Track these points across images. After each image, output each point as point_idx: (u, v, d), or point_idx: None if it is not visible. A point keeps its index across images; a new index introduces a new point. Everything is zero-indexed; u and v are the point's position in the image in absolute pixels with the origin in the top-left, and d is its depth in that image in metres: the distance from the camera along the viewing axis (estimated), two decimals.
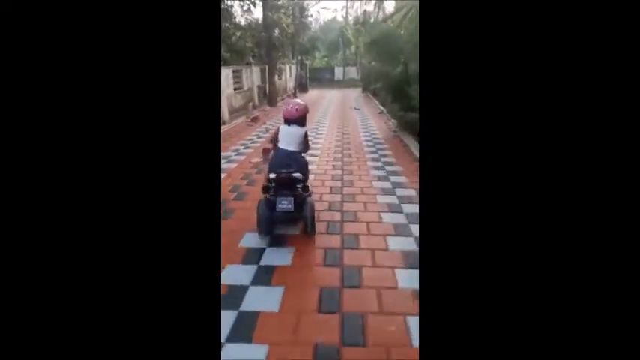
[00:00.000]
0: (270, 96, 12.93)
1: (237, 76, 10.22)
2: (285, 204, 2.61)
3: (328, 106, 12.79)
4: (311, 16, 16.17)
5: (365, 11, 28.79)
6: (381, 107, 11.10)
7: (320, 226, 2.98)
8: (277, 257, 2.56)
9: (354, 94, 18.45)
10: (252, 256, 2.58)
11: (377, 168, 4.93)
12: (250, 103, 11.25)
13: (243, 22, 12.62)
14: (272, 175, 2.69)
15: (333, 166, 5.07)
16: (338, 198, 3.76)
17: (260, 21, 12.73)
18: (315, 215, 2.86)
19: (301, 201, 2.69)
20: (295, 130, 2.83)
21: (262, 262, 2.49)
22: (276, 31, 13.12)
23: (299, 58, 19.50)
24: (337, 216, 3.28)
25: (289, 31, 13.05)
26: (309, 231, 2.77)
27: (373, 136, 7.32)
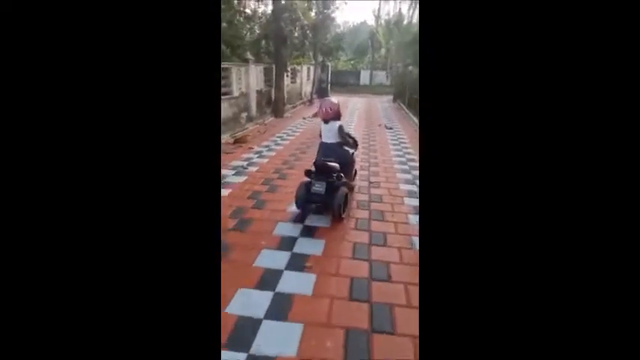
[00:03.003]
0: (275, 104, 10.06)
1: (224, 77, 7.30)
2: (318, 187, 3.03)
3: (349, 123, 9.76)
4: (337, 8, 13.12)
5: (400, 10, 26.38)
6: None
7: None
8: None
9: (383, 102, 15.26)
10: None
11: None
12: (244, 114, 8.29)
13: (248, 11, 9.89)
14: (314, 162, 3.20)
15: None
16: None
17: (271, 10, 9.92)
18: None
19: (334, 188, 3.02)
20: (332, 126, 3.34)
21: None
22: (289, 23, 10.21)
23: (321, 59, 16.63)
24: None
25: (305, 22, 10.14)
26: (336, 216, 3.02)
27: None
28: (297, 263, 2.43)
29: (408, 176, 4.63)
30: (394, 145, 6.63)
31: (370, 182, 4.29)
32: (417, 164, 5.27)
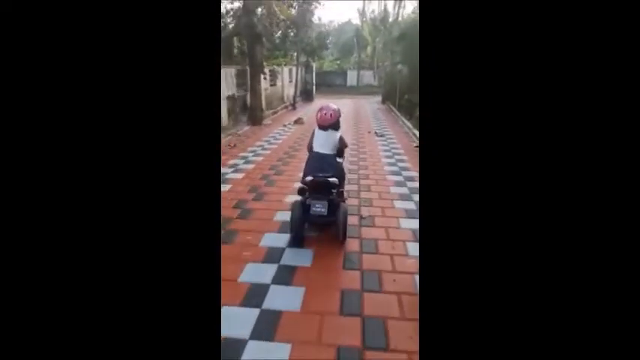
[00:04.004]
0: (252, 110, 8.93)
1: None
2: (319, 207, 2.59)
3: None
4: (318, 3, 12.02)
5: (385, 7, 25.69)
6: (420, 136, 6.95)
7: None
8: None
9: (372, 105, 14.25)
10: None
11: None
12: None
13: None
14: (308, 178, 2.65)
15: None
16: None
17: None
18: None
19: (335, 206, 2.63)
20: (331, 135, 2.82)
21: None
22: (264, 18, 9.08)
23: (304, 58, 15.53)
24: None
25: (281, 17, 9.02)
26: (341, 238, 2.67)
27: None
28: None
29: (409, 205, 3.56)
30: (388, 158, 5.58)
31: (361, 217, 3.22)
32: (416, 184, 4.23)
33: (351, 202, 3.59)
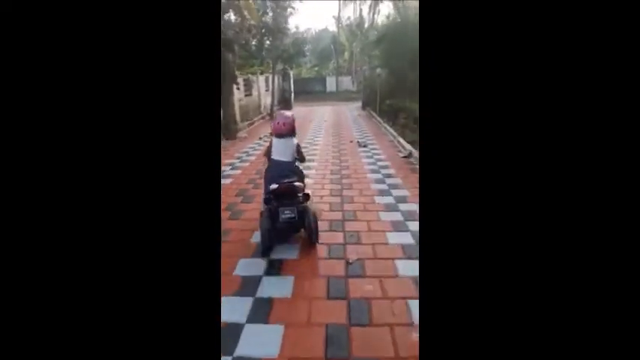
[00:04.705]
0: (225, 124, 8.19)
1: None
2: (288, 213, 2.63)
3: (314, 138, 8.05)
4: (293, 9, 11.45)
5: (360, 12, 25.60)
6: (407, 146, 6.33)
7: None
8: None
9: (352, 111, 13.73)
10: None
11: None
12: None
13: None
14: (273, 186, 2.69)
15: None
16: None
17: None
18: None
19: (303, 209, 2.69)
20: (288, 142, 2.93)
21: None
22: (234, 25, 8.37)
23: (281, 66, 14.90)
24: None
25: (252, 22, 8.35)
26: (314, 239, 2.74)
27: None
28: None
29: (406, 238, 2.93)
30: (374, 173, 4.96)
31: (348, 262, 2.56)
32: (411, 207, 3.61)
33: (334, 237, 2.94)
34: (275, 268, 2.51)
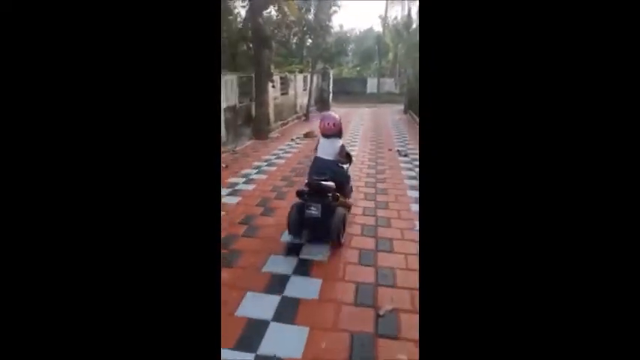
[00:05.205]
0: (256, 123, 7.87)
1: None
2: (312, 210, 2.67)
3: (349, 143, 7.46)
4: (338, 7, 10.97)
5: (409, 11, 24.49)
6: None
7: None
8: None
9: (393, 114, 12.97)
10: None
11: None
12: None
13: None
14: (307, 182, 2.88)
15: None
16: None
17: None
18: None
19: (329, 208, 2.69)
20: (333, 143, 3.03)
21: None
22: (272, 21, 8.03)
23: (321, 65, 14.46)
24: None
25: (292, 18, 7.95)
26: (335, 240, 2.71)
27: None
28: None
29: None
30: (415, 190, 4.31)
31: (378, 314, 1.99)
32: None
33: (365, 274, 2.39)
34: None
